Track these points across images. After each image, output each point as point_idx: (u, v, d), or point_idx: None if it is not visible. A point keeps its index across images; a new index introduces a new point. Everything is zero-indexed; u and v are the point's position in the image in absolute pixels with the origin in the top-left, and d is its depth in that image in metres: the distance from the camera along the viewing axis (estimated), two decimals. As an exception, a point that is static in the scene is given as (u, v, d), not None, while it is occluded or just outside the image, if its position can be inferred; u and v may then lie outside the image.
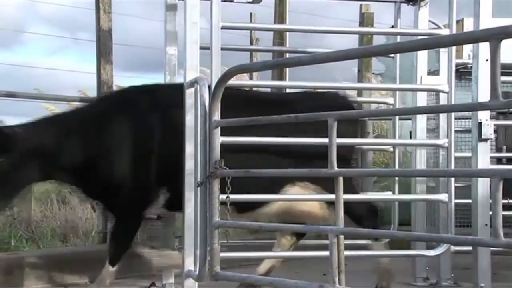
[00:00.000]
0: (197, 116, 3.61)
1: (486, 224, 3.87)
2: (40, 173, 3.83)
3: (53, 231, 5.46)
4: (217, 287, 3.77)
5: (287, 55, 5.46)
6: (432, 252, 4.15)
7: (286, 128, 3.71)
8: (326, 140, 3.01)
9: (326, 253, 2.95)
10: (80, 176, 3.88)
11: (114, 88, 5.53)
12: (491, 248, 3.83)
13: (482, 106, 3.38)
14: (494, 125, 4.35)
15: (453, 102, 4.15)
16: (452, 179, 4.09)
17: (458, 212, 4.28)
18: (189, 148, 3.71)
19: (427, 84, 4.41)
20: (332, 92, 4.37)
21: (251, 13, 9.59)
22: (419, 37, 4.13)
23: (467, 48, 5.67)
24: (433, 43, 3.22)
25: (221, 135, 3.43)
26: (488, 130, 3.94)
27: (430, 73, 4.66)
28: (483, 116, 3.94)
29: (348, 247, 3.03)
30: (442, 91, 4.22)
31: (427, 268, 4.56)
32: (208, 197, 3.42)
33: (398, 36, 4.56)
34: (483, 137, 3.94)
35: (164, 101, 4.03)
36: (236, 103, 3.79)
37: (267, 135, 3.66)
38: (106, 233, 5.08)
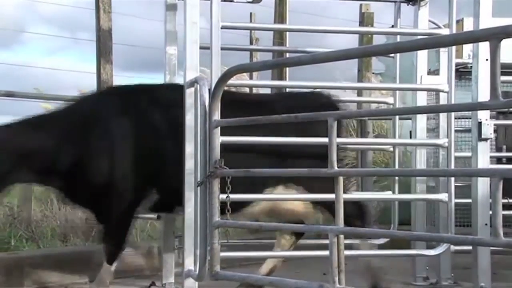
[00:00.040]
0: (197, 116, 3.61)
1: (486, 224, 3.87)
2: (19, 175, 3.76)
3: (53, 231, 5.46)
4: (217, 286, 3.77)
5: (287, 55, 5.46)
6: (432, 252, 4.15)
7: (265, 129, 3.68)
8: (326, 140, 3.01)
9: (326, 252, 2.95)
10: (62, 179, 3.83)
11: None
12: (491, 248, 3.83)
13: (482, 106, 3.38)
14: (494, 124, 4.35)
15: (453, 102, 4.15)
16: (452, 178, 4.09)
17: (458, 212, 4.28)
18: (189, 148, 3.71)
19: (427, 84, 4.41)
20: (316, 92, 4.37)
21: (251, 13, 9.59)
22: (419, 37, 4.13)
23: (467, 48, 5.67)
24: (433, 42, 3.23)
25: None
26: (488, 130, 3.94)
27: (430, 72, 4.66)
28: (483, 115, 3.94)
29: (348, 247, 3.03)
30: (442, 91, 4.22)
31: (427, 267, 4.56)
32: (208, 196, 3.42)
33: (398, 36, 4.56)
34: (483, 136, 3.94)
35: (151, 101, 4.00)
36: None
37: (247, 135, 3.65)
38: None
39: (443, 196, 4.13)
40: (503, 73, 2.47)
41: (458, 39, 3.18)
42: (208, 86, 3.57)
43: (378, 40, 7.23)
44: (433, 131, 4.86)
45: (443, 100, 4.31)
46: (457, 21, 5.19)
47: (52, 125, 3.88)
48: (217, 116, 3.41)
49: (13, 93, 5.24)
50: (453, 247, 4.24)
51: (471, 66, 4.06)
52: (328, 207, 3.86)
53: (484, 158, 3.94)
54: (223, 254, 3.45)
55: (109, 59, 5.51)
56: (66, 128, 3.87)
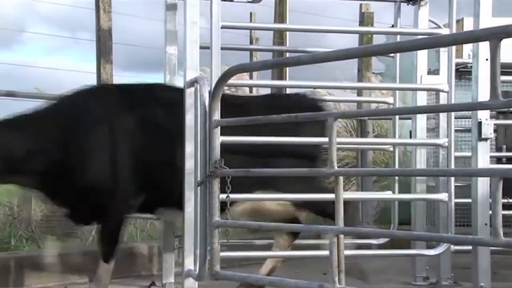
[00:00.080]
0: (197, 116, 3.61)
1: (486, 224, 3.87)
2: None
3: (53, 230, 5.45)
4: (217, 286, 3.77)
5: (287, 54, 5.46)
6: (432, 252, 4.15)
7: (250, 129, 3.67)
8: (326, 139, 3.02)
9: (326, 252, 2.95)
10: (42, 179, 3.80)
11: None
12: (491, 248, 3.83)
13: (482, 106, 3.38)
14: (494, 124, 4.35)
15: (453, 102, 4.15)
16: (452, 178, 4.09)
17: (458, 212, 4.28)
18: (189, 148, 3.71)
19: (427, 84, 4.41)
20: (301, 93, 4.38)
21: (251, 13, 9.59)
22: (419, 37, 4.13)
23: (467, 48, 5.67)
24: (433, 42, 3.23)
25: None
26: (488, 130, 3.94)
27: (430, 72, 4.66)
28: (483, 115, 3.94)
29: (347, 247, 3.03)
30: (442, 91, 4.22)
31: (427, 267, 4.56)
32: (208, 196, 3.42)
33: (398, 36, 4.56)
34: (483, 136, 3.94)
35: (135, 101, 3.99)
36: None
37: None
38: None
39: (443, 196, 4.13)
40: (503, 73, 2.48)
41: (458, 39, 3.18)
42: (208, 86, 3.57)
43: (378, 40, 7.23)
44: (433, 131, 4.86)
45: (443, 100, 4.31)
46: (457, 21, 5.19)
47: (31, 125, 3.84)
48: (217, 116, 3.41)
49: (13, 93, 5.23)
50: (453, 247, 4.24)
51: (471, 66, 4.06)
52: (309, 206, 3.88)
53: (484, 158, 3.94)
54: (223, 254, 3.45)
55: (109, 59, 5.51)
56: (46, 128, 3.83)
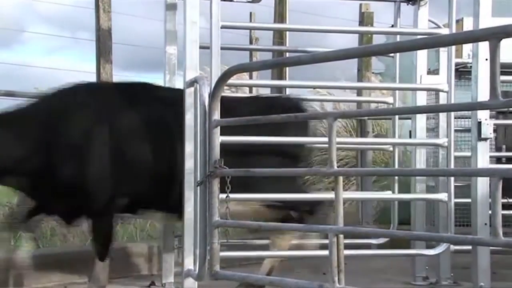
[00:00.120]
0: (196, 116, 3.61)
1: (485, 223, 3.87)
2: None
3: (53, 230, 5.45)
4: (216, 286, 3.77)
5: (287, 54, 5.46)
6: (431, 251, 4.16)
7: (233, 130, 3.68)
8: (325, 139, 3.02)
9: (325, 252, 2.95)
10: (24, 179, 3.78)
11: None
12: (491, 247, 3.83)
13: (482, 106, 3.38)
14: (494, 124, 4.34)
15: (452, 102, 4.15)
16: (452, 178, 4.10)
17: (457, 212, 4.28)
18: (188, 148, 3.71)
19: (427, 84, 4.41)
20: (285, 95, 4.39)
21: (250, 13, 9.60)
22: (419, 37, 4.13)
23: (467, 48, 5.67)
24: (432, 42, 3.23)
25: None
26: (488, 130, 3.94)
27: (429, 72, 4.66)
28: (483, 115, 3.94)
29: (347, 246, 3.03)
30: (442, 91, 4.22)
31: (427, 267, 4.57)
32: (207, 196, 3.42)
33: (398, 36, 4.57)
34: (482, 136, 3.94)
35: (118, 100, 3.98)
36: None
37: None
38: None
39: (442, 196, 4.13)
40: (502, 73, 2.47)
41: (458, 39, 3.19)
42: (208, 86, 3.57)
43: (378, 40, 7.23)
44: (432, 130, 4.86)
45: (442, 99, 4.31)
46: (457, 21, 5.19)
47: (13, 123, 3.81)
48: (217, 115, 3.41)
49: (13, 93, 5.22)
50: (452, 247, 4.24)
51: (470, 66, 4.06)
52: (284, 206, 3.90)
53: (483, 157, 3.94)
54: (222, 253, 3.45)
55: (109, 58, 5.51)
56: (27, 127, 3.80)
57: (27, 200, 4.11)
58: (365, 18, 7.36)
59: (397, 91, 4.65)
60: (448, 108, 4.06)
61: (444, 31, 4.28)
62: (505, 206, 2.98)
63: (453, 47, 4.29)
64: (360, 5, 7.38)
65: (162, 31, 4.44)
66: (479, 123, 3.93)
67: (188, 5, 3.76)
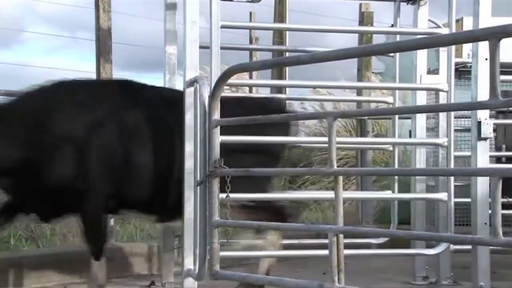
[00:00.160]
0: (196, 115, 3.61)
1: (485, 223, 3.87)
2: None
3: (53, 230, 5.45)
4: (216, 286, 3.77)
5: (287, 54, 5.47)
6: (431, 251, 4.16)
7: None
8: (325, 139, 3.02)
9: (325, 252, 2.95)
10: (8, 178, 3.75)
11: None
12: (491, 247, 3.83)
13: (482, 105, 3.38)
14: (494, 124, 4.35)
15: (452, 101, 4.15)
16: (452, 178, 4.10)
17: (457, 211, 4.28)
18: (188, 147, 3.71)
19: (427, 83, 4.41)
20: (269, 97, 4.40)
21: (250, 12, 9.60)
22: (419, 36, 4.13)
23: (467, 47, 5.67)
24: (432, 42, 3.23)
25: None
26: (488, 129, 3.95)
27: (429, 72, 4.66)
28: (483, 115, 3.95)
29: (347, 246, 3.03)
30: (442, 90, 4.22)
31: (427, 267, 4.57)
32: (207, 196, 3.42)
33: (398, 35, 4.57)
34: (482, 136, 3.94)
35: (102, 97, 3.97)
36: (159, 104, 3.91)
37: None
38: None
39: (442, 196, 4.13)
40: (502, 73, 2.47)
41: (458, 39, 3.19)
42: (208, 86, 3.57)
43: (377, 40, 7.23)
44: (432, 130, 4.86)
45: (442, 99, 4.31)
46: (457, 21, 5.19)
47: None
48: (216, 115, 3.41)
49: (12, 93, 5.21)
50: (452, 246, 4.24)
51: (470, 66, 4.06)
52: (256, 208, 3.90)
53: (483, 157, 3.94)
54: (222, 253, 3.45)
55: (109, 58, 5.50)
56: (11, 124, 3.77)
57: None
58: (365, 17, 7.36)
59: (397, 91, 4.65)
60: (448, 108, 4.06)
61: (444, 30, 4.29)
62: (505, 206, 2.98)
63: (453, 47, 4.29)
64: (360, 4, 7.38)
65: (162, 31, 4.44)
66: (479, 122, 3.93)
67: (188, 5, 3.76)
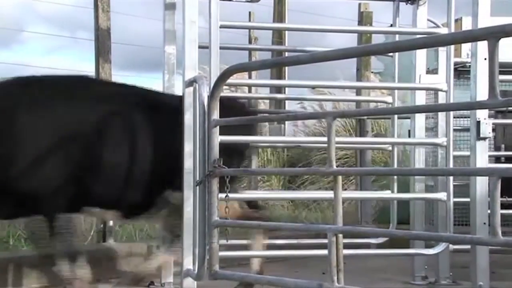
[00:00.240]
0: (195, 115, 3.61)
1: (484, 223, 3.87)
2: None
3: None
4: (216, 286, 3.77)
5: (286, 54, 5.46)
6: (430, 251, 4.16)
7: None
8: (324, 139, 3.02)
9: (325, 252, 2.95)
10: None
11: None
12: (490, 247, 3.83)
13: (481, 105, 3.38)
14: (493, 123, 4.35)
15: (451, 101, 4.15)
16: (451, 177, 4.10)
17: (456, 211, 4.28)
18: (188, 147, 3.71)
19: (426, 83, 4.41)
20: (231, 97, 4.41)
21: (250, 12, 9.58)
22: (418, 36, 4.13)
23: (466, 47, 5.68)
24: (431, 42, 3.23)
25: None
26: (487, 129, 3.95)
27: (428, 72, 4.67)
28: (482, 114, 3.95)
29: (346, 246, 3.03)
30: (441, 90, 4.23)
31: (426, 266, 4.57)
32: (207, 196, 3.42)
33: (397, 35, 4.57)
34: (481, 135, 3.94)
35: (56, 94, 3.90)
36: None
37: None
38: (105, 232, 5.08)
39: (441, 195, 4.13)
40: (501, 72, 2.47)
41: (457, 38, 3.19)
42: (207, 86, 3.57)
43: (377, 39, 7.23)
44: (431, 130, 4.87)
45: (441, 99, 4.31)
46: (456, 20, 5.20)
47: None
48: (216, 115, 3.41)
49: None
50: (451, 246, 4.24)
51: (469, 65, 4.06)
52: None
53: (482, 157, 3.94)
54: (221, 253, 3.45)
55: (108, 58, 5.51)
56: None
57: None
58: (364, 17, 7.36)
59: (396, 91, 4.65)
60: (447, 108, 4.06)
61: (443, 30, 4.29)
62: (504, 205, 2.98)
63: (452, 47, 4.29)
64: (359, 4, 7.38)
65: (161, 30, 4.44)
66: (478, 122, 3.94)
67: (187, 5, 3.76)
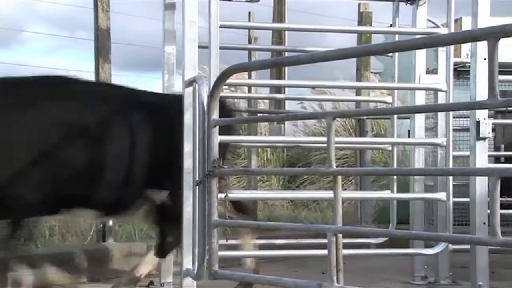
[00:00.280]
0: (195, 115, 3.61)
1: (484, 223, 3.87)
2: None
3: (51, 230, 5.45)
4: (215, 286, 3.77)
5: (286, 54, 5.47)
6: (430, 251, 4.16)
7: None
8: (324, 139, 3.02)
9: (324, 251, 2.95)
10: None
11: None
12: (489, 247, 3.83)
13: (480, 105, 3.38)
14: (492, 124, 4.35)
15: (451, 101, 4.15)
16: (450, 177, 4.10)
17: (456, 211, 4.28)
18: (187, 147, 3.71)
19: (426, 83, 4.42)
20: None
21: (249, 12, 9.58)
22: (418, 36, 4.13)
23: (465, 47, 5.68)
24: (431, 42, 3.23)
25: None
26: (486, 129, 3.95)
27: (428, 72, 4.67)
28: (481, 115, 3.95)
29: (346, 246, 3.03)
30: (441, 90, 4.23)
31: (426, 266, 4.57)
32: (206, 195, 3.42)
33: (397, 35, 4.57)
34: (481, 135, 3.94)
35: (31, 95, 3.87)
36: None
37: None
38: (104, 232, 5.08)
39: (441, 195, 4.13)
40: (501, 72, 2.47)
41: (457, 38, 3.19)
42: (207, 86, 3.58)
43: (376, 40, 7.23)
44: (431, 130, 4.87)
45: (441, 99, 4.31)
46: (455, 20, 5.20)
47: None
48: (215, 115, 3.41)
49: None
50: (451, 246, 4.24)
51: (469, 65, 4.07)
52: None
53: (482, 157, 3.94)
54: (221, 253, 3.45)
55: (108, 58, 5.51)
56: None
57: None
58: (363, 17, 7.36)
59: (396, 91, 4.65)
60: (446, 108, 4.06)
61: (443, 30, 4.29)
62: (503, 205, 2.99)
63: (452, 47, 4.29)
64: (359, 4, 7.38)
65: (161, 30, 4.44)
66: (478, 122, 3.94)
67: (187, 5, 3.76)
